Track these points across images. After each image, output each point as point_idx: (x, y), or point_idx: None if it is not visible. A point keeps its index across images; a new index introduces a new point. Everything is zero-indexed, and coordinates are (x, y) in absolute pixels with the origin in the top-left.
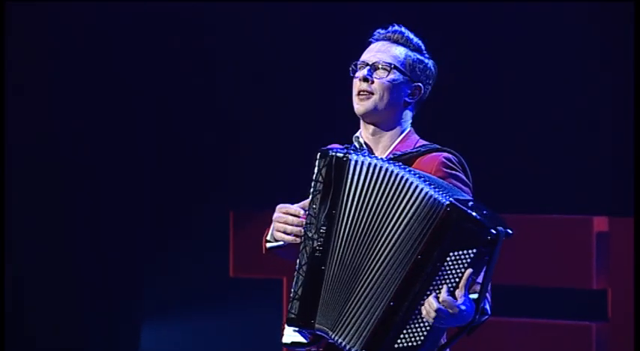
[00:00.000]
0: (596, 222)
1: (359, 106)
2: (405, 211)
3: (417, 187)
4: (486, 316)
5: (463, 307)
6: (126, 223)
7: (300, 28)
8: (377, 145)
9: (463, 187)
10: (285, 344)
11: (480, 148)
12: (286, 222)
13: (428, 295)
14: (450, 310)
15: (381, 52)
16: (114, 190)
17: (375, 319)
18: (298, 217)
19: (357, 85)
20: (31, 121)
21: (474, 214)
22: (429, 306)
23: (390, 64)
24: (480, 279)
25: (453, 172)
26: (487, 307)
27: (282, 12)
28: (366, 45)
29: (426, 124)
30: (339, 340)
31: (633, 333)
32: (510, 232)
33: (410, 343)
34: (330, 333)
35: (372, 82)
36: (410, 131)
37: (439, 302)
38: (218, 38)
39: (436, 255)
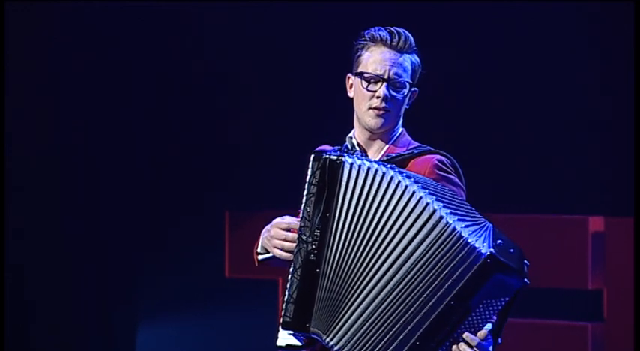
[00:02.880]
0: (592, 222)
1: (375, 121)
2: (420, 235)
3: (434, 211)
4: (498, 343)
5: (490, 349)
6: (122, 224)
7: (297, 28)
8: (370, 147)
9: (456, 189)
10: (280, 347)
11: (475, 147)
12: (286, 238)
13: (455, 337)
14: None
15: (394, 65)
16: (110, 191)
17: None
18: (297, 232)
19: (375, 101)
20: (29, 121)
21: (512, 264)
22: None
23: (405, 81)
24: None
25: (446, 174)
26: (499, 338)
27: (280, 13)
28: (357, 39)
29: (423, 123)
30: (333, 344)
31: (629, 333)
32: (528, 263)
33: None
34: (324, 336)
35: (389, 99)
36: (402, 132)
37: (472, 347)
38: (215, 39)
39: (469, 302)
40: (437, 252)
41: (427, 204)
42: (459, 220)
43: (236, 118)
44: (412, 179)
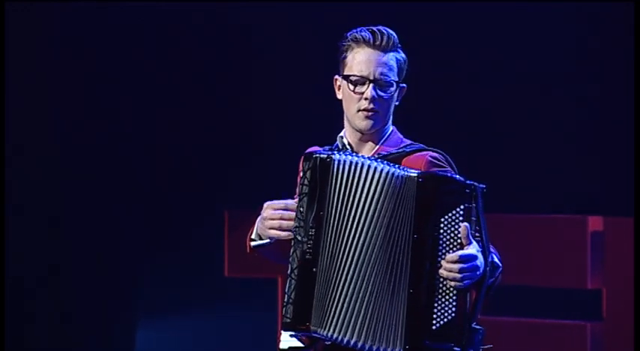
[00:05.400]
0: (591, 222)
1: (365, 123)
2: (377, 195)
3: (382, 170)
4: (499, 270)
5: (476, 251)
6: (120, 223)
7: (296, 29)
8: (362, 147)
9: None
10: (283, 350)
11: (475, 147)
12: (282, 217)
13: (440, 267)
14: (469, 263)
15: (379, 65)
16: (108, 190)
17: (395, 311)
18: (293, 210)
19: (363, 103)
20: (29, 121)
21: (444, 174)
22: (450, 271)
23: (392, 80)
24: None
25: (442, 169)
26: (496, 259)
27: (278, 14)
28: (341, 41)
29: (423, 123)
30: (331, 335)
31: (628, 332)
32: (484, 186)
33: (446, 319)
34: (320, 330)
35: (377, 100)
36: (393, 131)
37: (456, 262)
38: (213, 39)
39: (429, 227)
40: (388, 202)
41: (381, 169)
42: (401, 169)
43: (236, 117)
44: (398, 168)
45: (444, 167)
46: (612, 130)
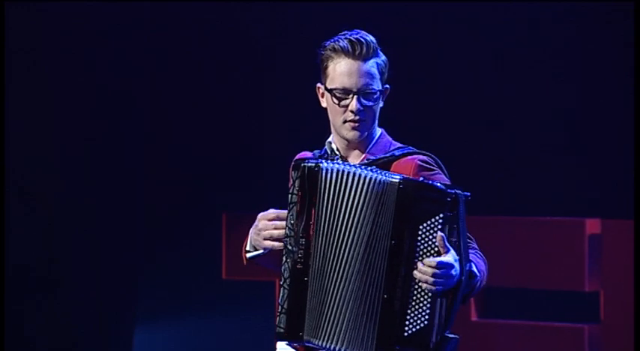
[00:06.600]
0: (589, 224)
1: (352, 134)
2: (362, 203)
3: (366, 177)
4: (477, 279)
5: (453, 260)
6: (118, 226)
7: (295, 28)
8: (350, 152)
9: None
10: None
11: (472, 149)
12: (276, 227)
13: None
14: (443, 270)
15: (361, 75)
16: (106, 193)
17: (370, 317)
18: (284, 220)
19: (349, 115)
20: (27, 122)
21: (426, 181)
22: (425, 274)
23: (375, 89)
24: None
25: (432, 173)
26: (474, 269)
27: (277, 14)
28: (319, 48)
29: (420, 125)
30: (327, 346)
31: (625, 335)
32: (468, 194)
33: (418, 326)
34: (315, 340)
35: (362, 110)
36: (381, 134)
37: (431, 267)
38: (208, 40)
39: (407, 233)
40: (371, 208)
41: (365, 176)
42: (385, 174)
43: (233, 119)
44: (382, 174)
45: (434, 170)
46: (612, 131)
